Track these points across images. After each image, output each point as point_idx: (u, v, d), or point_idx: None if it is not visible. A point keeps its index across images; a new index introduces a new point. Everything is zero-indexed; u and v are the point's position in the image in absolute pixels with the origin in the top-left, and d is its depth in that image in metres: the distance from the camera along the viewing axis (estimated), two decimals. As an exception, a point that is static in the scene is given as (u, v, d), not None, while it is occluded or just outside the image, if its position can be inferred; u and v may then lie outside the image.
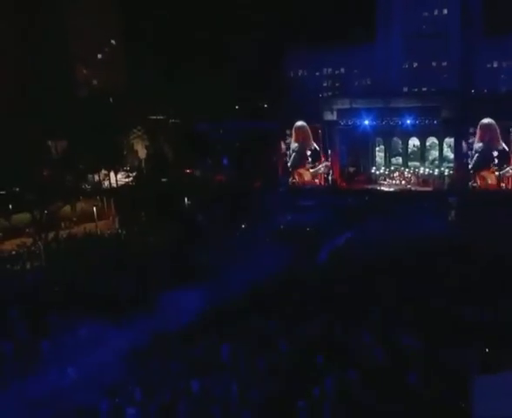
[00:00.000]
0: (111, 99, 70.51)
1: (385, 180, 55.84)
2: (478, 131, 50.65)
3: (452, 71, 74.42)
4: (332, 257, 33.26)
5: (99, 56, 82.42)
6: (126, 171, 55.71)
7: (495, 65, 76.10)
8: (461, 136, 52.46)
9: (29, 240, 36.42)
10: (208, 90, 71.14)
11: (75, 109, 50.54)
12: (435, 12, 75.32)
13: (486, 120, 50.32)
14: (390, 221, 39.06)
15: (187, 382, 18.23)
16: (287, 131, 56.50)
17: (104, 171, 58.22)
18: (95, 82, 78.78)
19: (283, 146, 56.54)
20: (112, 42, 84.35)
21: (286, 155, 56.63)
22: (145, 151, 64.89)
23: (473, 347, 19.39)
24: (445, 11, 75.12)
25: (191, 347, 21.11)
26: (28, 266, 31.48)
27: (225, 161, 65.96)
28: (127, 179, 52.60)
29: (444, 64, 75.74)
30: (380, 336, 21.28)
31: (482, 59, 74.96)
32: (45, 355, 19.90)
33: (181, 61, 77.47)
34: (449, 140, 56.02)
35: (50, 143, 48.74)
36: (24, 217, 39.16)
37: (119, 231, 41.04)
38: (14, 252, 33.75)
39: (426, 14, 75.34)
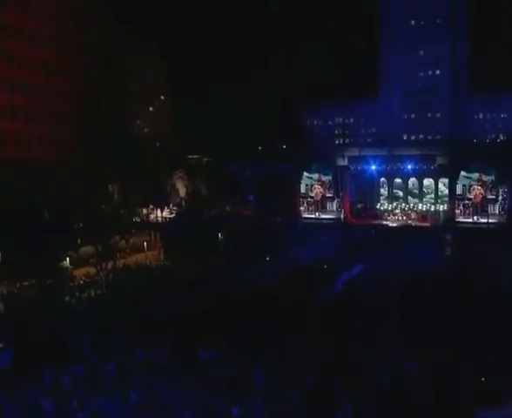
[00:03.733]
0: (157, 144, 72.35)
1: (389, 216, 55.45)
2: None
3: (444, 122, 74.79)
4: (346, 288, 33.03)
5: (150, 108, 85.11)
6: (170, 207, 56.56)
7: (481, 117, 76.47)
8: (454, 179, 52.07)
9: (92, 269, 37.07)
10: (237, 134, 72.35)
11: (131, 155, 51.83)
12: (429, 72, 76.18)
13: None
14: (395, 255, 38.69)
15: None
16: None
17: (150, 206, 59.39)
18: (146, 130, 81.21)
19: (302, 191, 56.72)
20: (161, 97, 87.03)
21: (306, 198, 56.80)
22: (185, 189, 65.80)
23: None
24: (437, 72, 75.80)
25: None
26: (92, 293, 32.05)
27: (251, 198, 66.32)
28: (170, 215, 53.28)
29: (438, 115, 76.14)
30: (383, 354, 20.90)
31: (470, 111, 75.30)
32: (111, 378, 20.11)
33: (215, 111, 79.29)
34: (444, 180, 55.62)
35: (110, 187, 50.13)
36: (89, 249, 39.98)
37: (164, 262, 41.49)
38: (82, 282, 34.41)
39: (421, 74, 76.20)
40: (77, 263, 38.36)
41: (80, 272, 37.36)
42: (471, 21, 73.96)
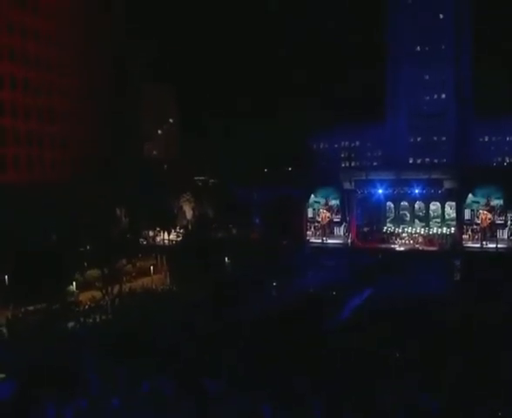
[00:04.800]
0: (165, 166, 72.39)
1: (396, 240, 54.64)
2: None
3: (450, 145, 74.79)
4: (355, 314, 32.23)
5: (159, 131, 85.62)
6: (176, 230, 56.13)
7: (486, 139, 76.49)
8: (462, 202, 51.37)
9: (97, 293, 36.44)
10: (243, 156, 72.34)
11: (139, 178, 51.77)
12: (435, 96, 76.48)
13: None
14: (404, 280, 37.96)
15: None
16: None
17: (157, 228, 58.93)
18: (155, 152, 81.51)
19: (309, 215, 56.07)
20: (170, 120, 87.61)
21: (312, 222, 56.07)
22: (192, 212, 65.40)
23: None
24: (443, 95, 76.04)
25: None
26: (98, 319, 31.40)
27: (257, 220, 65.71)
28: (177, 238, 52.82)
29: (443, 138, 76.13)
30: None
31: (476, 134, 75.33)
32: (116, 412, 19.38)
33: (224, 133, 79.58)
34: (451, 203, 54.94)
35: (118, 210, 49.89)
36: (95, 272, 39.52)
37: (170, 286, 40.83)
38: (87, 307, 33.79)
39: (427, 98, 76.47)
40: (82, 286, 37.82)
41: (85, 296, 36.77)
42: (475, 45, 74.55)
